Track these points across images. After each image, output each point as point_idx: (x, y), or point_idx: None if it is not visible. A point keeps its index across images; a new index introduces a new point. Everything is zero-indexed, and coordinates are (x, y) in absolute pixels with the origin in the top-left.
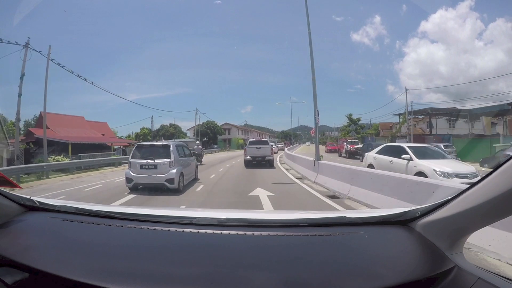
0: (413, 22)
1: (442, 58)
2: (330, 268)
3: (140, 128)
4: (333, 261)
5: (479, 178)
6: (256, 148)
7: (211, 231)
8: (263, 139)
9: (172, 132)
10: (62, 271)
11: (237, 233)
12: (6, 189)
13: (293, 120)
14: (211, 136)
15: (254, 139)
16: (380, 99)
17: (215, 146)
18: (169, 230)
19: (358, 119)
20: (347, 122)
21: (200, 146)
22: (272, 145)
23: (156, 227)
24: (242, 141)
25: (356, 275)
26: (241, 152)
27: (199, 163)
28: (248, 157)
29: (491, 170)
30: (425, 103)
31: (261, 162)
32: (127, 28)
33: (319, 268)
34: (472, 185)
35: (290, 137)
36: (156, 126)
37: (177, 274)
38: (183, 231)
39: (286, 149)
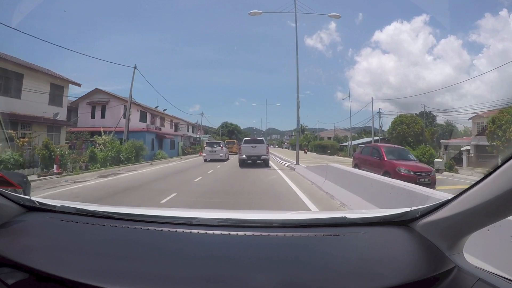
0: (368, 32)
1: (392, 68)
2: (330, 269)
3: None
4: (333, 261)
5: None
6: (252, 146)
7: (211, 232)
8: (258, 138)
9: None
10: (62, 272)
11: (237, 234)
12: (6, 190)
13: (241, 121)
14: None
15: (249, 138)
16: (328, 106)
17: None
18: (169, 230)
19: None
20: None
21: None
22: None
23: (156, 228)
24: None
25: (356, 275)
26: None
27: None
28: (244, 156)
29: (491, 170)
30: None
31: (255, 162)
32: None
33: (319, 268)
34: (472, 185)
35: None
36: None
37: (177, 274)
38: (183, 231)
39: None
